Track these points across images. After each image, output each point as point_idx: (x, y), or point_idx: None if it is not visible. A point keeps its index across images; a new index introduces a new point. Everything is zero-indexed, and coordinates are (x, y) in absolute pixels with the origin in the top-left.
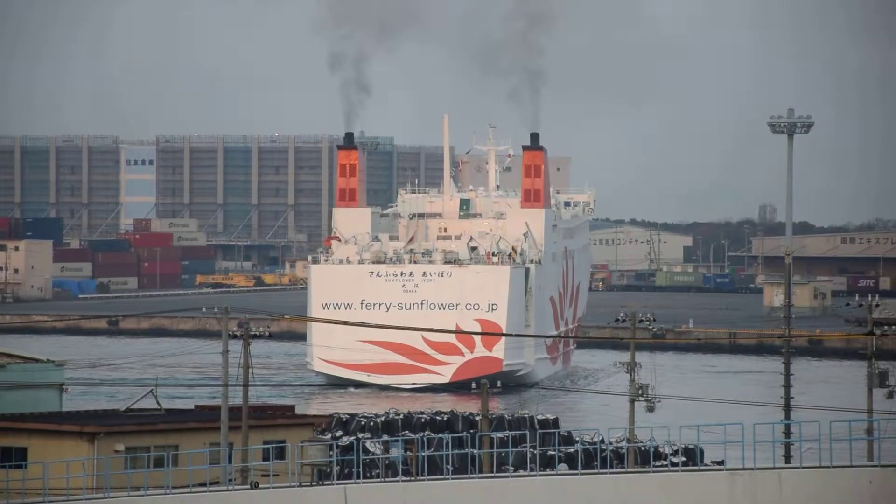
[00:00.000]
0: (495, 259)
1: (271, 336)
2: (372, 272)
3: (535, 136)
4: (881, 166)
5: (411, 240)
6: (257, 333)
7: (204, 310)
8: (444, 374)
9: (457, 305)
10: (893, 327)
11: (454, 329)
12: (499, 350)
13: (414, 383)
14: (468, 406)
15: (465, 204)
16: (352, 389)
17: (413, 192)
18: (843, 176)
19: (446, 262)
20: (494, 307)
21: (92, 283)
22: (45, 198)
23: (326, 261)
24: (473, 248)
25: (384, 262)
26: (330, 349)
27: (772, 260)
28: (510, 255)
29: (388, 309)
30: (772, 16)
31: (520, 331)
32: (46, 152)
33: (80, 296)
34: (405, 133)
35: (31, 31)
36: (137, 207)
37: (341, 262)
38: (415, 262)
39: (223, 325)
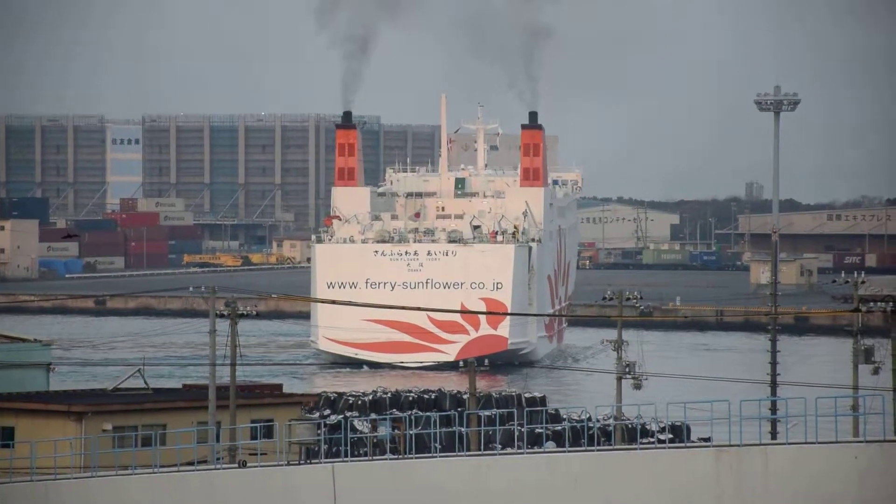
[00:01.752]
0: (500, 238)
1: (258, 315)
2: (377, 251)
3: (533, 115)
4: (867, 144)
5: (417, 215)
6: (245, 313)
7: (191, 289)
8: (450, 353)
9: (462, 284)
10: (879, 304)
11: (459, 308)
12: (504, 328)
13: (410, 362)
14: (479, 383)
15: (460, 183)
16: (365, 368)
17: (402, 171)
18: (830, 153)
19: (450, 242)
20: (499, 286)
21: (78, 262)
22: (31, 177)
23: (330, 240)
24: (476, 227)
25: (389, 242)
26: (335, 328)
27: (758, 237)
28: (513, 233)
29: (392, 288)
30: None
31: (524, 309)
32: (32, 132)
33: (67, 275)
34: (392, 112)
35: (16, 11)
36: (123, 187)
37: (345, 241)
38: (419, 241)
39: (210, 304)
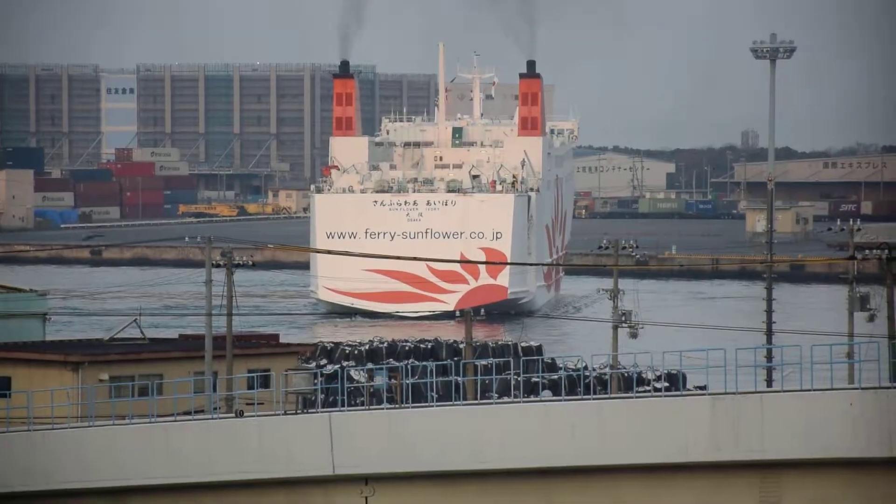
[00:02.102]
0: (499, 188)
1: (255, 265)
2: (376, 201)
3: (531, 64)
4: (863, 91)
5: (417, 164)
6: (241, 263)
7: (187, 239)
8: (449, 303)
9: (461, 234)
10: (874, 251)
11: (459, 258)
12: (503, 278)
13: (409, 312)
14: (478, 333)
15: (457, 132)
16: (357, 317)
17: (399, 120)
18: (825, 101)
19: (449, 191)
20: (499, 235)
21: (74, 212)
22: (26, 127)
23: (329, 190)
24: (475, 177)
25: (388, 192)
26: (336, 279)
27: (754, 186)
28: (512, 183)
29: (392, 238)
30: None
31: (523, 259)
32: (26, 81)
33: (62, 225)
34: (387, 61)
35: None
36: (118, 137)
37: (344, 191)
38: (418, 191)
39: (206, 254)
